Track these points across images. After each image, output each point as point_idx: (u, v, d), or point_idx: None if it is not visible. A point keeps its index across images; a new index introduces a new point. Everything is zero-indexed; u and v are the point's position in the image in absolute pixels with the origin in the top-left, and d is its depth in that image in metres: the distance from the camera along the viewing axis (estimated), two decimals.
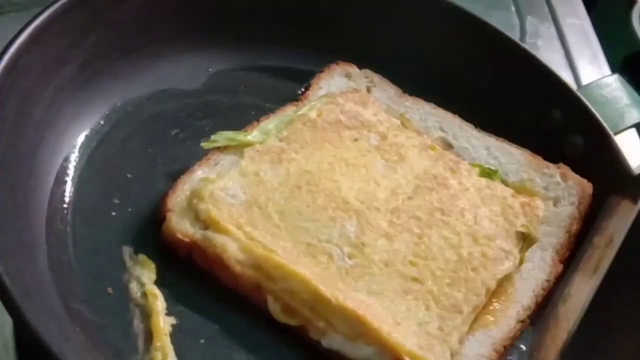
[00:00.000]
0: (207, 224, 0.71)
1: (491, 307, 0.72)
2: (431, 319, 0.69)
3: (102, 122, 0.78)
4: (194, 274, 0.70)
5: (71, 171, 0.74)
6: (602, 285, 0.76)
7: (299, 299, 0.68)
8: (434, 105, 0.85)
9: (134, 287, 0.69)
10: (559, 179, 0.80)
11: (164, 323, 0.67)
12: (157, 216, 0.73)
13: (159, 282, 0.69)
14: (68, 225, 0.71)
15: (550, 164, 0.81)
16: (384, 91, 0.86)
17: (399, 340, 0.66)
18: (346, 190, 0.75)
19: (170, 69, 0.82)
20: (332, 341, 0.67)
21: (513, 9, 1.09)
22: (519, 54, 0.87)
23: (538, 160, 0.82)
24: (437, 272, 0.71)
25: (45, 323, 0.59)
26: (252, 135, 0.78)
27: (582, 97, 0.84)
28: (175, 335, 0.66)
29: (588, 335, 0.74)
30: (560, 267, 0.76)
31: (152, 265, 0.70)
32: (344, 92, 0.84)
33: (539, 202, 0.79)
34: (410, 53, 0.87)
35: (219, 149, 0.77)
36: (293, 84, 0.87)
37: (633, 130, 0.98)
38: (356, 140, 0.80)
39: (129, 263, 0.70)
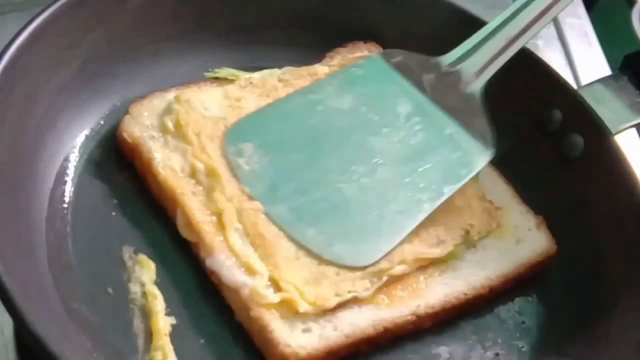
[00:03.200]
0: (167, 128, 0.75)
1: (393, 292, 0.71)
2: (333, 263, 0.70)
3: (102, 122, 0.78)
4: (194, 274, 0.71)
5: (71, 171, 0.74)
6: (602, 285, 0.77)
7: (213, 210, 0.71)
8: None
9: (134, 287, 0.69)
10: (532, 225, 0.79)
11: (164, 323, 0.67)
12: (157, 216, 0.73)
13: (159, 282, 0.69)
14: (68, 225, 0.71)
15: (531, 210, 0.80)
16: None
17: (284, 266, 0.69)
18: None
19: (170, 69, 0.82)
20: (214, 261, 0.69)
21: None
22: (519, 54, 0.86)
23: (519, 201, 0.81)
24: None
25: (45, 323, 0.59)
26: (254, 75, 0.82)
27: (582, 97, 0.84)
28: (175, 335, 0.67)
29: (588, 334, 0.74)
30: (485, 291, 0.74)
31: (152, 266, 0.70)
32: (361, 56, 0.85)
33: (499, 213, 0.78)
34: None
35: (218, 80, 0.81)
36: None
37: (633, 130, 0.98)
38: None
39: (129, 263, 0.70)
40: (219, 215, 0.71)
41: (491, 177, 0.82)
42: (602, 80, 0.88)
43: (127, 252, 0.71)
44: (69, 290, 0.66)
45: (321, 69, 0.84)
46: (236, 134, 0.76)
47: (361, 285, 0.70)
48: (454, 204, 0.76)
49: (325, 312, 0.68)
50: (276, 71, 0.83)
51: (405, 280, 0.72)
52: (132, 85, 0.80)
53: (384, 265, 0.71)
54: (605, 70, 1.08)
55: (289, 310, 0.67)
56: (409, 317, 0.71)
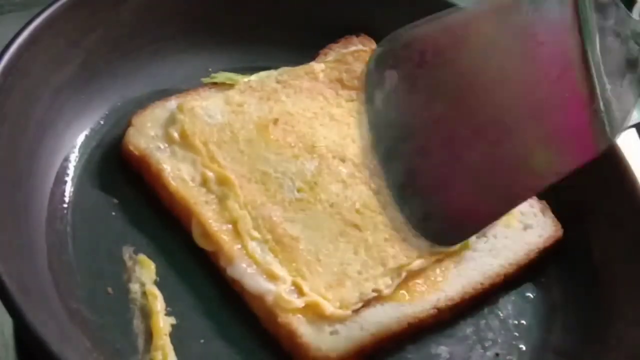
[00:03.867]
0: (173, 139, 0.75)
1: (413, 288, 0.72)
2: (354, 262, 0.71)
3: (102, 122, 0.78)
4: (194, 274, 0.71)
5: (71, 171, 0.74)
6: (603, 285, 0.77)
7: (228, 218, 0.71)
8: None
9: (134, 287, 0.69)
10: (537, 210, 0.79)
11: (164, 323, 0.67)
12: (157, 216, 0.73)
13: (159, 282, 0.69)
14: (68, 225, 0.71)
15: (535, 196, 0.80)
16: None
17: (306, 271, 0.69)
18: (319, 138, 0.78)
19: (170, 69, 0.82)
20: (236, 270, 0.69)
21: None
22: None
23: None
24: (379, 226, 0.73)
25: (45, 323, 0.59)
26: (251, 78, 0.81)
27: None
28: (175, 335, 0.67)
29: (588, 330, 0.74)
30: (500, 280, 0.75)
31: (152, 266, 0.70)
32: (355, 51, 0.85)
33: None
34: None
35: (216, 85, 0.80)
36: None
37: (633, 130, 0.98)
38: (352, 100, 0.82)
39: (129, 263, 0.70)
40: (234, 223, 0.71)
41: None
42: None
43: (127, 252, 0.71)
44: (69, 290, 0.66)
45: (318, 67, 0.84)
46: (383, 57, 0.69)
47: (383, 283, 0.71)
48: None
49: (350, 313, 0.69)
50: (273, 73, 0.83)
51: (423, 275, 0.73)
52: (132, 85, 0.80)
53: (403, 260, 0.72)
54: None
55: (314, 313, 0.68)
56: (431, 311, 0.72)
